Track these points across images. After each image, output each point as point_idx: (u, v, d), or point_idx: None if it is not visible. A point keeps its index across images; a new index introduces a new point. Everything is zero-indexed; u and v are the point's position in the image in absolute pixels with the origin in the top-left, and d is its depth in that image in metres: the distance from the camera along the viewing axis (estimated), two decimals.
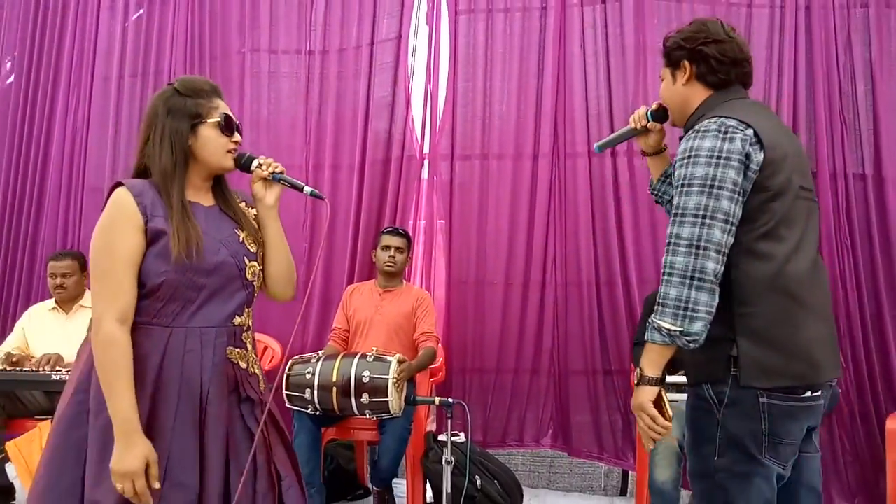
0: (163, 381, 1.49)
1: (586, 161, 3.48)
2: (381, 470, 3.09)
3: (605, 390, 3.42)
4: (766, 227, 1.50)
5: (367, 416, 2.90)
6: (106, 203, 1.54)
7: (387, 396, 2.82)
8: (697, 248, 1.46)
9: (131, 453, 1.41)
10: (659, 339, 1.50)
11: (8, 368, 2.95)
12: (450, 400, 2.69)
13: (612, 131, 3.39)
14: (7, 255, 4.13)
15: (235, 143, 1.63)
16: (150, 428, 1.47)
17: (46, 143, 4.18)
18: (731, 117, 1.51)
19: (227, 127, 1.61)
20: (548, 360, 3.51)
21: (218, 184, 1.68)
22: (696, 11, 3.37)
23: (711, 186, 1.47)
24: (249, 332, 1.65)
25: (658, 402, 1.56)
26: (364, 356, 2.92)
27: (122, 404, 1.42)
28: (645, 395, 1.55)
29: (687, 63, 1.65)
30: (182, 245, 1.49)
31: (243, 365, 1.60)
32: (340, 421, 3.13)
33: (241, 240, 1.62)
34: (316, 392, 2.86)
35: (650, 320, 1.52)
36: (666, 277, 1.49)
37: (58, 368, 2.92)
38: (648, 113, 1.82)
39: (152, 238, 1.50)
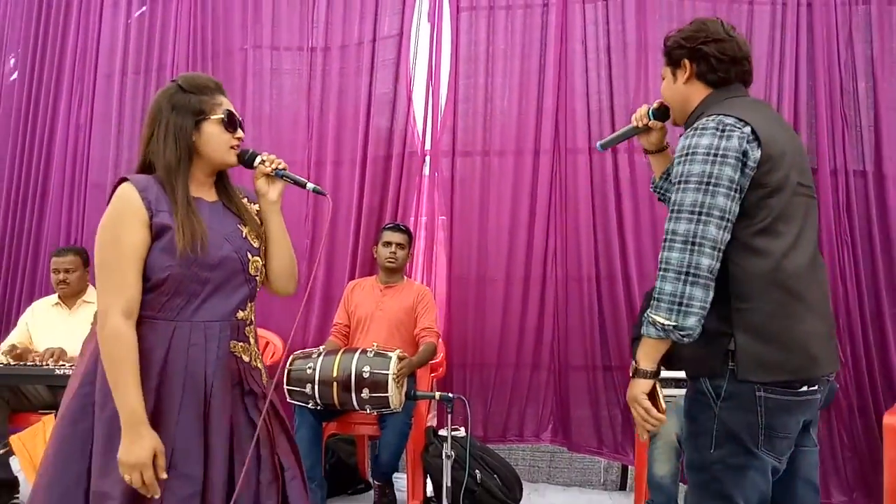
0: (167, 375, 1.51)
1: (587, 157, 3.49)
2: (381, 464, 3.11)
3: (604, 385, 3.44)
4: (763, 224, 1.51)
5: (368, 411, 2.92)
6: (110, 198, 1.55)
7: (387, 392, 2.84)
8: (693, 244, 1.48)
9: (139, 445, 1.42)
10: (654, 334, 1.52)
11: (12, 363, 2.98)
12: (450, 395, 2.71)
13: (613, 128, 3.43)
14: (11, 251, 4.16)
15: (238, 139, 1.65)
16: (155, 420, 1.48)
17: (50, 139, 4.20)
18: (729, 115, 1.53)
19: (230, 123, 1.62)
20: (548, 355, 3.52)
21: (220, 180, 1.69)
22: (698, 8, 3.37)
23: (708, 184, 1.49)
24: (252, 327, 1.67)
25: (652, 395, 1.58)
26: (364, 352, 2.94)
27: (129, 397, 1.44)
28: (639, 388, 1.58)
29: (687, 62, 1.66)
30: (187, 240, 1.50)
31: (246, 358, 1.62)
32: (341, 415, 3.15)
33: (244, 235, 1.64)
34: (317, 387, 2.88)
35: (646, 315, 1.54)
36: (662, 273, 1.51)
37: (61, 363, 2.95)
38: (650, 111, 1.84)
39: (157, 233, 1.51)
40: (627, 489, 3.46)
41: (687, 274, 1.47)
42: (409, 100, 3.74)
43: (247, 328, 1.64)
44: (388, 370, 2.85)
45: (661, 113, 1.82)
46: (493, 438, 3.53)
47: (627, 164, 3.44)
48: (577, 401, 3.48)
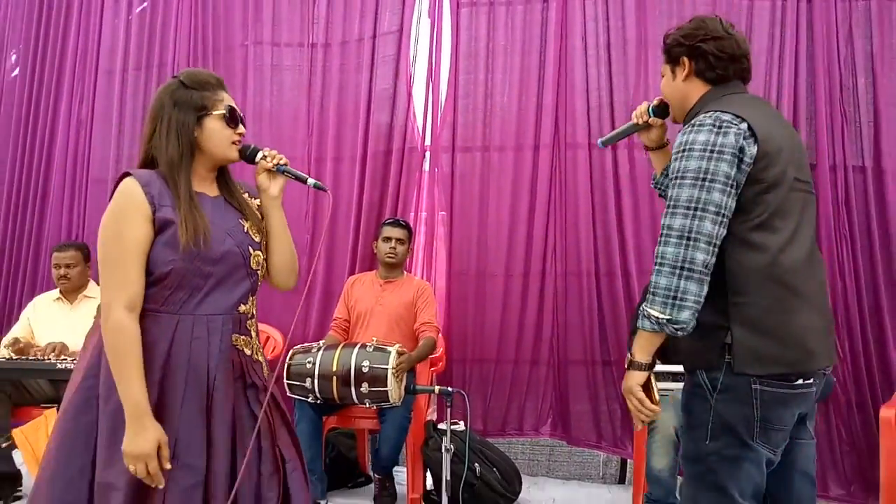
0: (170, 368, 1.53)
1: (587, 153, 3.49)
2: (381, 458, 3.13)
3: (603, 380, 3.45)
4: (760, 219, 1.53)
5: (367, 405, 2.94)
6: (113, 193, 1.56)
7: (386, 386, 2.85)
8: (688, 239, 1.49)
9: (143, 436, 1.44)
10: (649, 327, 1.54)
11: (14, 356, 2.99)
12: (449, 389, 2.72)
13: (613, 124, 3.44)
14: (13, 247, 4.19)
15: (240, 135, 1.66)
16: (159, 412, 1.50)
17: (51, 135, 4.22)
18: (726, 112, 1.54)
19: (232, 119, 1.64)
20: (547, 350, 3.54)
21: (222, 175, 1.71)
22: (698, 4, 3.38)
23: (703, 179, 1.50)
24: (254, 320, 1.68)
25: (647, 387, 1.61)
26: (364, 346, 2.96)
27: (133, 389, 1.46)
28: (634, 380, 1.61)
29: (686, 59, 1.68)
30: (190, 234, 1.51)
31: (248, 352, 1.64)
32: (341, 409, 3.17)
33: (245, 230, 1.65)
34: (316, 381, 2.90)
35: (641, 308, 1.56)
36: (657, 267, 1.53)
37: (63, 357, 2.96)
38: (650, 108, 1.85)
39: (160, 227, 1.53)
40: (626, 483, 3.47)
41: (682, 268, 1.49)
42: (409, 96, 3.74)
43: (248, 322, 1.65)
44: (387, 364, 2.87)
45: (661, 110, 1.83)
46: (493, 432, 3.54)
47: (627, 160, 3.44)
48: (576, 395, 3.49)
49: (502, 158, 3.62)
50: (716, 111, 1.55)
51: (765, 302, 1.51)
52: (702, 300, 1.50)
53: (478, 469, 2.97)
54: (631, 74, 3.45)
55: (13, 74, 4.36)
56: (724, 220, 1.50)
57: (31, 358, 3.01)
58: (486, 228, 3.62)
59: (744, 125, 1.52)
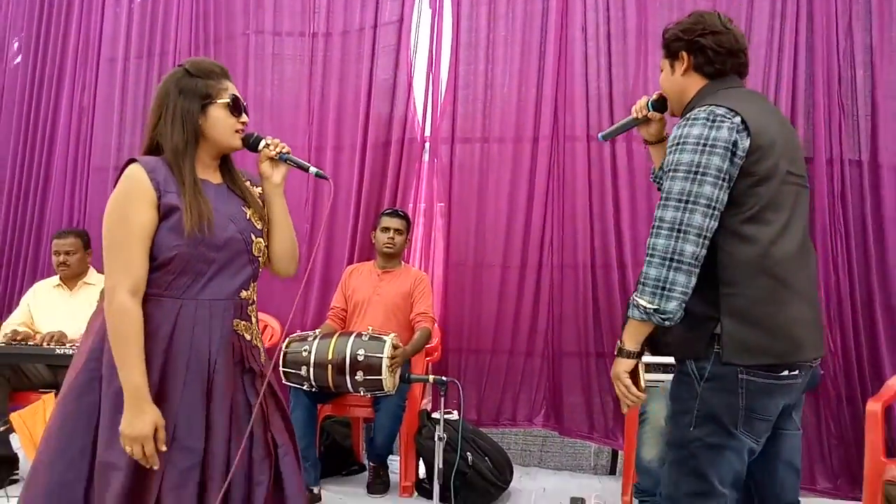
0: (172, 351, 1.55)
1: (585, 145, 3.49)
2: (376, 446, 3.16)
3: (597, 372, 3.46)
4: (752, 211, 1.54)
5: (362, 393, 2.96)
6: (118, 179, 1.59)
7: (381, 375, 2.87)
8: (679, 231, 1.52)
9: (141, 419, 1.47)
10: (637, 316, 1.57)
11: (13, 343, 3.02)
12: (443, 378, 2.74)
13: (612, 115, 3.44)
14: (14, 233, 4.22)
15: (243, 123, 1.68)
16: (160, 395, 1.53)
17: (52, 123, 4.24)
18: (720, 105, 1.56)
19: (235, 108, 1.66)
20: (542, 341, 3.55)
21: (225, 163, 1.73)
22: None
23: (696, 173, 1.52)
24: (254, 306, 1.71)
25: (634, 374, 1.64)
26: (360, 335, 2.98)
27: (133, 372, 1.48)
28: (621, 367, 1.65)
29: (685, 54, 1.70)
30: (194, 220, 1.54)
31: (248, 337, 1.66)
32: (336, 397, 3.19)
33: (247, 217, 1.68)
34: (312, 369, 2.92)
35: (632, 297, 1.59)
36: (648, 258, 1.55)
37: (62, 343, 2.99)
38: (649, 103, 1.86)
39: (165, 213, 1.55)
40: (617, 474, 3.49)
41: (671, 260, 1.51)
42: (410, 86, 3.75)
43: (249, 307, 1.68)
44: (382, 353, 2.89)
45: (660, 104, 1.84)
46: (487, 422, 3.57)
47: (625, 153, 3.44)
48: (569, 387, 3.51)
49: (501, 150, 3.63)
50: (711, 105, 1.57)
51: (755, 293, 1.54)
52: (689, 291, 1.52)
53: (470, 458, 2.98)
54: (631, 65, 3.45)
55: (15, 62, 4.38)
56: (716, 212, 1.52)
57: (30, 344, 3.04)
58: (484, 219, 3.63)
59: (737, 119, 1.53)
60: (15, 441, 2.98)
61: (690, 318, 1.55)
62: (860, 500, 2.57)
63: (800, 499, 1.75)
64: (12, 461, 3.10)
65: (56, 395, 2.85)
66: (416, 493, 3.14)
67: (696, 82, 1.70)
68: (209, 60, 1.70)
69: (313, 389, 3.01)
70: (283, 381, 3.00)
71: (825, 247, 3.14)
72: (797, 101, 3.22)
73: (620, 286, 3.41)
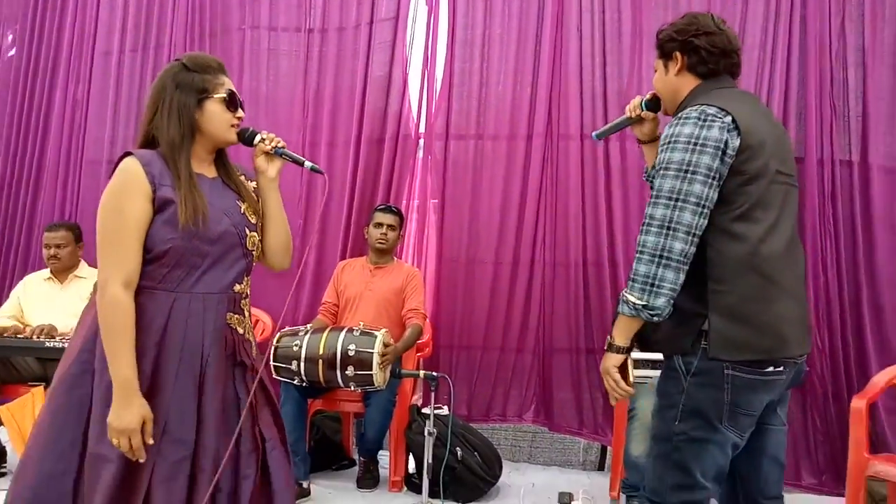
0: (165, 344, 1.55)
1: (579, 143, 3.51)
2: (367, 441, 3.17)
3: (587, 368, 3.48)
4: (741, 209, 1.56)
5: (352, 388, 2.97)
6: (114, 171, 1.59)
7: (371, 370, 2.88)
8: (668, 228, 1.54)
9: (130, 411, 1.47)
10: (627, 311, 1.59)
11: (3, 335, 3.02)
12: (433, 374, 2.75)
13: (606, 114, 3.45)
14: (5, 226, 4.22)
15: (238, 118, 1.69)
16: (152, 387, 1.53)
17: (46, 116, 4.24)
18: (712, 105, 1.58)
19: (232, 103, 1.66)
20: (533, 338, 3.56)
21: (220, 157, 1.74)
22: None
23: (686, 171, 1.54)
24: (247, 300, 1.72)
25: (623, 369, 1.67)
26: (351, 330, 2.98)
27: (123, 364, 1.48)
28: (611, 361, 1.67)
29: (678, 54, 1.72)
30: (189, 214, 1.54)
31: (241, 331, 1.67)
32: (327, 392, 3.20)
33: (242, 211, 1.68)
34: (302, 364, 2.93)
35: (621, 293, 1.61)
36: (638, 255, 1.58)
37: (52, 336, 2.99)
38: (643, 102, 1.88)
39: (160, 206, 1.55)
40: (606, 469, 3.50)
41: (660, 257, 1.53)
42: (405, 82, 3.76)
43: (242, 301, 1.68)
44: (373, 349, 2.89)
45: (654, 104, 1.86)
46: (478, 418, 3.58)
47: (618, 152, 3.46)
48: (559, 383, 3.53)
49: (495, 147, 3.64)
50: (702, 105, 1.59)
51: (743, 290, 1.56)
52: (678, 288, 1.54)
53: (459, 453, 2.99)
54: (625, 65, 3.47)
55: (9, 54, 4.37)
56: (706, 210, 1.54)
57: (19, 336, 3.03)
58: (477, 216, 3.64)
59: (728, 118, 1.55)
60: (3, 434, 2.98)
61: (679, 315, 1.58)
62: (845, 495, 2.60)
63: (784, 494, 1.77)
64: (0, 454, 3.10)
65: (45, 388, 2.88)
66: (405, 488, 3.15)
67: (689, 82, 1.72)
68: (206, 55, 1.71)
69: (304, 384, 3.01)
70: (274, 376, 3.00)
71: (815, 246, 3.16)
72: (790, 101, 3.24)
73: (612, 284, 3.42)
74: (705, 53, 1.68)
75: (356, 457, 3.39)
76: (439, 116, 3.70)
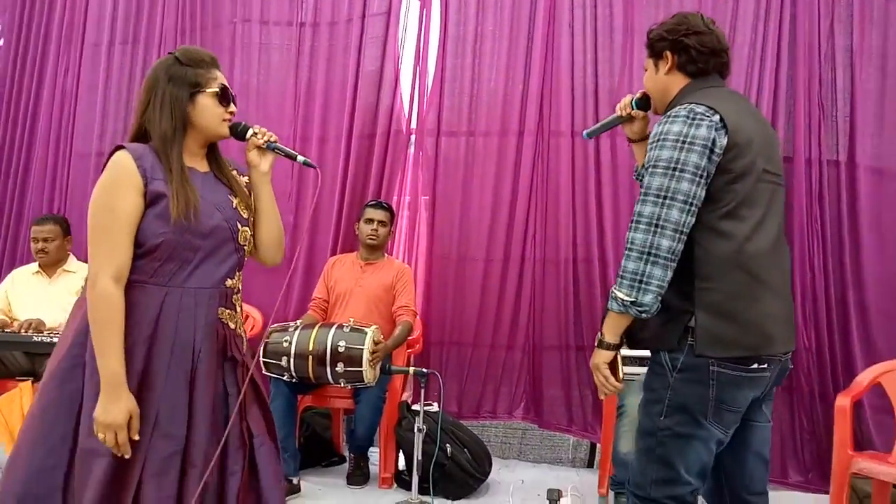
0: (157, 338, 1.55)
1: (569, 141, 3.52)
2: (357, 438, 3.17)
3: (576, 366, 3.49)
4: (728, 207, 1.58)
5: (342, 384, 2.97)
6: (106, 165, 1.58)
7: (361, 366, 2.88)
8: (656, 226, 1.55)
9: (117, 406, 1.47)
10: (616, 308, 1.61)
11: None
12: (423, 370, 2.76)
13: (597, 111, 3.46)
14: None
15: (231, 113, 1.69)
16: (143, 382, 1.53)
17: (35, 108, 4.20)
18: (700, 104, 1.60)
19: (224, 97, 1.66)
20: (523, 335, 3.57)
21: (212, 151, 1.73)
22: None
23: (674, 169, 1.56)
24: (239, 295, 1.72)
25: (613, 365, 1.69)
26: (341, 326, 2.98)
27: (111, 358, 1.48)
28: (601, 358, 1.69)
29: (669, 53, 1.73)
30: (181, 207, 1.54)
31: (232, 326, 1.67)
32: (316, 389, 3.20)
33: (234, 205, 1.68)
34: (292, 360, 2.92)
35: (611, 290, 1.63)
36: (626, 251, 1.59)
37: (40, 331, 2.97)
38: (633, 101, 1.89)
39: (152, 200, 1.55)
40: (595, 467, 3.52)
41: (648, 254, 1.55)
42: (396, 78, 3.75)
43: (234, 296, 1.68)
44: (363, 345, 2.89)
45: (644, 102, 1.87)
46: (468, 415, 3.59)
47: (609, 149, 3.47)
48: (549, 380, 3.54)
49: (487, 143, 3.64)
50: (691, 103, 1.60)
51: (729, 288, 1.58)
52: (665, 285, 1.56)
53: (449, 449, 3.00)
54: (616, 62, 3.48)
55: None
56: (693, 208, 1.56)
57: (7, 330, 3.01)
58: (468, 213, 3.64)
59: (716, 117, 1.57)
60: None
61: (666, 311, 1.60)
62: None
63: (770, 491, 1.79)
64: None
65: (34, 383, 2.86)
66: (395, 485, 3.16)
67: (678, 81, 1.73)
68: (200, 49, 1.70)
69: (293, 380, 3.01)
70: (264, 372, 2.99)
71: (802, 245, 3.19)
72: (778, 101, 3.26)
73: (601, 281, 3.43)
74: (695, 53, 1.69)
75: (346, 453, 3.39)
76: (431, 112, 3.70)
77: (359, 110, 3.73)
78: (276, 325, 3.12)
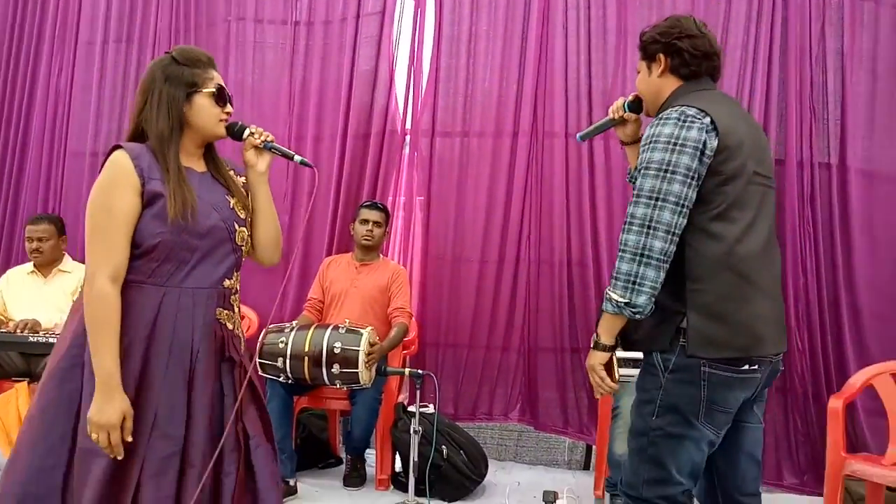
0: (155, 338, 1.56)
1: (563, 142, 3.52)
2: (353, 439, 3.18)
3: (572, 367, 3.50)
4: (718, 209, 1.60)
5: (338, 385, 2.98)
6: (103, 165, 1.59)
7: (357, 368, 2.88)
8: (648, 227, 1.57)
9: (111, 406, 1.47)
10: (611, 309, 1.63)
11: None
12: (419, 371, 2.76)
13: (590, 112, 3.47)
14: None
15: (227, 113, 1.69)
16: (142, 382, 1.53)
17: (29, 106, 4.18)
18: (691, 106, 1.61)
19: (220, 97, 1.66)
20: (518, 337, 3.58)
21: (209, 151, 1.74)
22: None
23: (666, 171, 1.58)
24: (237, 296, 1.72)
25: (608, 366, 1.72)
26: (336, 328, 2.99)
27: (107, 358, 1.48)
28: (596, 359, 1.72)
29: (662, 56, 1.75)
30: (178, 207, 1.54)
31: (230, 326, 1.67)
32: (312, 390, 3.20)
33: (231, 206, 1.68)
34: (288, 361, 2.93)
35: (605, 291, 1.65)
36: (620, 253, 1.61)
37: (35, 331, 2.96)
38: (625, 104, 1.90)
39: (149, 200, 1.55)
40: (590, 469, 3.53)
41: (641, 255, 1.57)
42: (391, 77, 3.75)
43: (232, 297, 1.68)
44: (359, 346, 2.90)
45: (636, 105, 1.89)
46: (464, 416, 3.59)
47: (602, 151, 3.48)
48: (544, 382, 3.55)
49: (481, 144, 3.65)
50: (682, 106, 1.62)
51: (719, 289, 1.60)
52: (658, 286, 1.58)
53: (445, 451, 3.01)
54: (610, 64, 3.49)
55: None
56: (685, 210, 1.58)
57: (3, 330, 3.00)
58: (463, 214, 3.65)
59: (707, 119, 1.59)
60: None
61: (659, 312, 1.62)
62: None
63: (765, 493, 1.81)
64: None
65: (29, 383, 2.85)
66: (392, 487, 3.17)
67: (671, 83, 1.75)
68: (196, 49, 1.70)
69: (289, 381, 3.01)
70: (260, 373, 3.00)
71: (794, 248, 3.21)
72: (770, 104, 3.28)
73: (596, 283, 3.44)
74: (688, 56, 1.71)
75: (343, 455, 3.39)
76: (425, 113, 3.70)
77: (353, 110, 3.73)
78: (272, 325, 3.11)
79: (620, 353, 1.75)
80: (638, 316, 1.60)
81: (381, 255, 3.53)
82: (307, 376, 2.94)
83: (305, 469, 3.31)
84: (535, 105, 3.57)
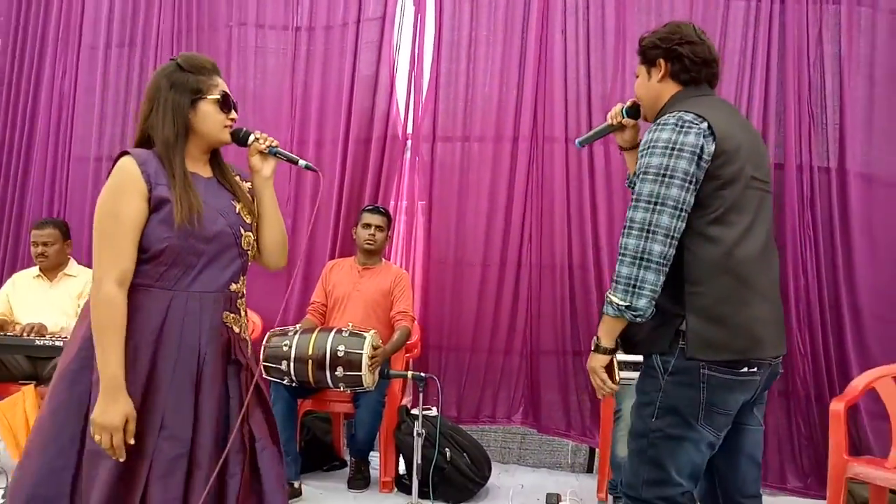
0: (162, 342, 1.58)
1: (563, 147, 3.54)
2: (357, 442, 3.20)
3: (574, 370, 3.52)
4: (716, 213, 1.63)
5: (342, 389, 3.00)
6: (111, 171, 1.61)
7: (360, 371, 2.90)
8: (648, 231, 1.60)
9: (115, 408, 1.49)
10: (611, 312, 1.65)
11: None
12: (422, 374, 2.78)
13: (590, 117, 3.49)
14: None
15: (232, 119, 1.71)
16: (150, 385, 1.55)
17: (33, 111, 4.20)
18: (689, 112, 1.64)
19: (225, 104, 1.69)
20: (520, 340, 3.60)
21: (214, 157, 1.76)
22: (676, 1, 3.42)
23: (664, 175, 1.60)
24: (243, 299, 1.74)
25: (609, 368, 1.75)
26: (340, 331, 3.01)
27: (112, 362, 1.50)
28: (597, 361, 1.75)
29: (662, 61, 1.77)
30: (184, 213, 1.57)
31: (237, 329, 1.69)
32: (316, 393, 3.22)
33: (237, 211, 1.71)
34: (292, 364, 2.95)
35: (606, 294, 1.67)
36: (620, 257, 1.64)
37: (42, 334, 2.98)
38: (623, 110, 1.92)
39: (156, 206, 1.58)
40: (594, 471, 3.53)
41: (641, 259, 1.59)
42: (392, 82, 3.77)
43: (239, 300, 1.71)
44: (362, 350, 2.92)
45: (634, 111, 1.91)
46: (467, 419, 3.61)
47: (602, 156, 3.50)
48: (547, 385, 3.57)
49: (482, 149, 3.67)
50: (680, 111, 1.65)
51: (718, 292, 1.62)
52: (658, 289, 1.60)
53: (448, 454, 3.03)
54: (609, 68, 3.51)
55: None
56: (683, 214, 1.60)
57: (10, 334, 3.02)
58: (464, 218, 3.66)
59: (704, 124, 1.61)
60: None
61: (658, 315, 1.64)
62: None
63: (769, 497, 1.82)
64: None
65: (36, 386, 2.87)
66: (395, 489, 3.18)
67: (670, 89, 1.77)
68: (201, 56, 1.73)
69: (293, 384, 3.03)
70: (264, 376, 3.01)
71: (794, 250, 3.23)
72: (769, 108, 3.31)
73: (597, 286, 3.46)
74: (688, 62, 1.74)
75: (347, 457, 3.40)
76: (426, 118, 3.72)
77: (355, 114, 3.75)
78: (275, 329, 3.14)
79: (621, 357, 1.77)
80: (639, 319, 1.62)
81: (384, 259, 3.54)
82: (311, 379, 2.96)
83: (309, 471, 3.33)
84: (535, 109, 3.59)
